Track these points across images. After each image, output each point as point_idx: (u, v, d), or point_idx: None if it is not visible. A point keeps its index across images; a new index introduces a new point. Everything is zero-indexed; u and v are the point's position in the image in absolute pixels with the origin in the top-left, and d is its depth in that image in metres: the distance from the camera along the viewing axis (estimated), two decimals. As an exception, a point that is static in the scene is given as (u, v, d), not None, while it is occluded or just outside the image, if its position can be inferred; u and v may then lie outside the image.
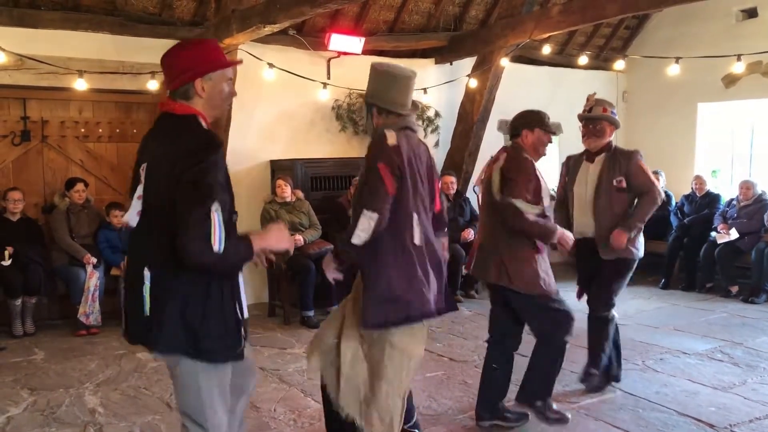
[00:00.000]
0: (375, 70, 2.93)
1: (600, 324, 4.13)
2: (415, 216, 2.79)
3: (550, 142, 3.63)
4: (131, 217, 2.23)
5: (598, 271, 4.09)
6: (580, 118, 4.15)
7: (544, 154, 3.64)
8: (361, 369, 2.88)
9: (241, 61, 2.40)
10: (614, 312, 4.15)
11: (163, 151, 2.15)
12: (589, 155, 4.16)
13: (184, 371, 2.20)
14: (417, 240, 2.79)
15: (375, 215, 2.65)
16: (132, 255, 2.26)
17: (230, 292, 2.22)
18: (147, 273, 2.13)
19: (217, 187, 2.08)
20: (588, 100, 4.16)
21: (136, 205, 2.21)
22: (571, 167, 4.29)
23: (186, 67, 2.21)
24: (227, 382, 2.28)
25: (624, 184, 3.99)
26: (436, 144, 7.96)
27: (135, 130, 6.68)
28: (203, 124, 2.24)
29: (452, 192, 7.11)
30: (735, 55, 6.46)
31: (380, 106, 2.88)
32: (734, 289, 6.98)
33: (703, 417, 3.78)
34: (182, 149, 2.11)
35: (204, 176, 2.06)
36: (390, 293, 2.76)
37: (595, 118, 4.06)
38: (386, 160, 2.73)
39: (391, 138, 2.76)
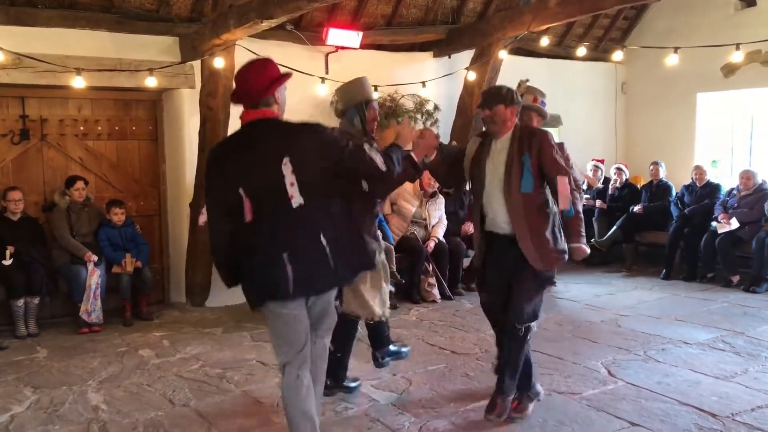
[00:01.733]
0: None
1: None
2: None
3: (486, 118, 3.59)
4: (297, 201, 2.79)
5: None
6: None
7: (486, 131, 3.66)
8: None
9: (291, 74, 3.04)
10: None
11: (298, 144, 2.81)
12: None
13: (328, 298, 3.01)
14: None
15: None
16: (299, 229, 2.78)
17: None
18: (323, 239, 2.79)
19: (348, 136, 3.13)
20: (519, 86, 3.91)
21: (293, 192, 2.76)
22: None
23: (269, 84, 2.88)
24: None
25: None
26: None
27: (134, 127, 6.67)
28: None
29: (452, 185, 7.10)
30: (734, 44, 6.44)
31: None
32: (735, 278, 7.00)
33: (705, 406, 3.79)
34: (312, 136, 2.85)
35: (346, 140, 2.93)
36: None
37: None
38: None
39: None
